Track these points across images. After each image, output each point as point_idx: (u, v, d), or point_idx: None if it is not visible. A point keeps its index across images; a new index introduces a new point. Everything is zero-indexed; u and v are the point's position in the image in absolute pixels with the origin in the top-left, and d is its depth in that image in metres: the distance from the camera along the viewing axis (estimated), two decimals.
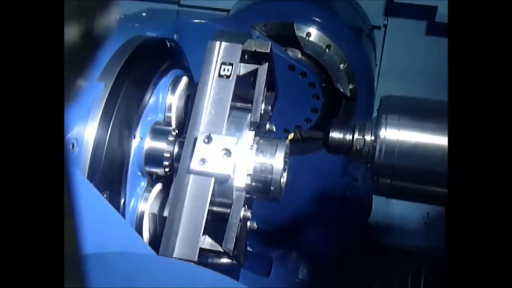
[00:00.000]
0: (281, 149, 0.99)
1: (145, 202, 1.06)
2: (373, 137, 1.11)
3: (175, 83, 1.16)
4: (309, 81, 1.67)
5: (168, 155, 1.06)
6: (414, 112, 1.11)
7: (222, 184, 0.95)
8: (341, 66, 1.69)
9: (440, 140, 1.06)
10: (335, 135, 1.14)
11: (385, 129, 1.08)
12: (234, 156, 0.92)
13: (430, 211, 2.16)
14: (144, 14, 1.42)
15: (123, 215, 1.01)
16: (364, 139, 1.12)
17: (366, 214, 1.92)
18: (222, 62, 1.01)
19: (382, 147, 1.08)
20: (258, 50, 1.04)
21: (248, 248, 1.08)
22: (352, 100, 1.75)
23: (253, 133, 1.01)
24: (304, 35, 1.66)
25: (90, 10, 0.31)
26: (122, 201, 1.00)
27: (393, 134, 1.08)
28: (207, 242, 0.92)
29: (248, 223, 1.01)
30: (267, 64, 1.05)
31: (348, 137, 1.13)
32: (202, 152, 0.92)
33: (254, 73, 1.05)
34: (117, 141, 0.97)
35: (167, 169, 1.07)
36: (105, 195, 0.91)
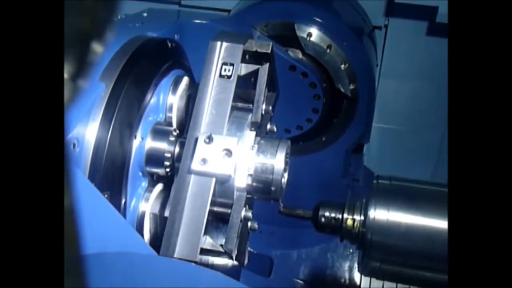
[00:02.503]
0: (282, 149, 0.99)
1: (146, 202, 1.06)
2: (362, 217, 1.12)
3: (176, 83, 1.16)
4: (310, 81, 1.67)
5: (169, 155, 1.06)
6: (405, 194, 1.13)
7: (223, 184, 0.95)
8: (342, 66, 1.69)
9: (431, 222, 1.07)
10: (325, 214, 1.16)
11: (375, 209, 1.09)
12: (235, 156, 0.92)
13: None
14: (145, 14, 1.42)
15: (124, 215, 1.01)
16: (354, 219, 1.13)
17: None
18: (223, 62, 1.01)
19: (372, 227, 1.09)
20: (259, 50, 1.04)
21: (249, 248, 1.08)
22: (353, 100, 1.75)
23: (254, 133, 1.01)
24: (305, 36, 1.66)
25: (90, 10, 0.31)
26: (123, 201, 1.00)
27: (383, 214, 1.09)
28: (208, 242, 0.92)
29: (249, 223, 1.01)
30: (268, 64, 1.05)
31: (338, 215, 1.14)
32: (203, 152, 0.92)
33: (255, 74, 1.05)
34: (118, 141, 0.97)
35: (168, 169, 1.07)
36: (106, 195, 0.91)
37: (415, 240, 1.07)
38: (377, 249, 1.09)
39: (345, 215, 1.14)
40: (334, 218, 1.15)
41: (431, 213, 1.07)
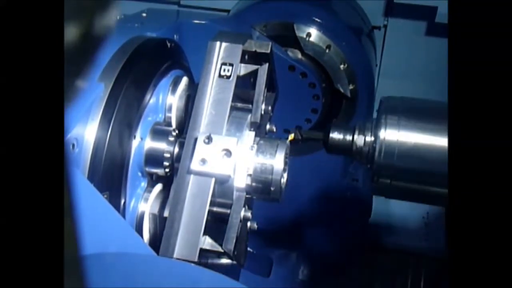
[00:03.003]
0: (281, 149, 0.99)
1: (145, 203, 1.06)
2: (373, 138, 1.11)
3: (175, 83, 1.16)
4: (309, 82, 1.67)
5: (168, 155, 1.06)
6: (414, 113, 1.11)
7: (222, 184, 0.95)
8: (341, 66, 1.69)
9: (440, 141, 1.06)
10: (335, 135, 1.14)
11: (385, 129, 1.08)
12: (234, 157, 0.92)
13: (430, 211, 2.16)
14: (144, 14, 1.42)
15: (123, 215, 1.01)
16: (364, 140, 1.12)
17: (366, 214, 1.92)
18: (222, 62, 1.01)
19: (382, 148, 1.08)
20: (258, 50, 1.04)
21: (248, 249, 1.08)
22: (352, 100, 1.75)
23: (253, 133, 1.01)
24: (304, 36, 1.66)
25: (90, 10, 0.31)
26: (122, 201, 1.00)
27: (393, 134, 1.08)
28: (207, 242, 0.92)
29: (249, 224, 1.01)
30: (267, 64, 1.05)
31: (348, 137, 1.13)
32: (202, 152, 0.92)
33: (254, 74, 1.05)
34: (117, 141, 0.97)
35: (167, 170, 1.07)
36: (105, 196, 0.91)
37: (426, 158, 1.07)
38: (387, 168, 1.09)
39: (356, 136, 1.13)
40: (345, 138, 1.14)
41: (443, 131, 1.06)
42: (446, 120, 0.97)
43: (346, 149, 1.14)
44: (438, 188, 1.09)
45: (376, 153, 1.08)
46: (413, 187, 1.13)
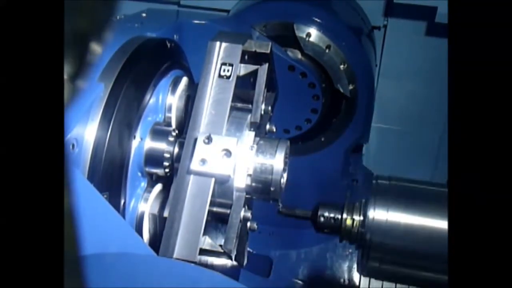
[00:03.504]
0: (281, 149, 0.99)
1: (145, 203, 1.06)
2: (361, 217, 1.12)
3: (175, 83, 1.16)
4: (309, 82, 1.67)
5: (168, 155, 1.06)
6: (404, 193, 1.13)
7: (222, 184, 0.95)
8: (341, 66, 1.69)
9: (430, 222, 1.07)
10: (324, 214, 1.16)
11: (374, 209, 1.09)
12: (234, 157, 0.92)
13: None
14: (144, 14, 1.42)
15: (123, 215, 1.01)
16: (353, 219, 1.13)
17: None
18: (222, 62, 1.01)
19: (371, 227, 1.09)
20: (258, 50, 1.04)
21: (248, 249, 1.08)
22: (352, 100, 1.75)
23: (253, 133, 1.01)
24: (304, 36, 1.66)
25: (90, 10, 0.31)
26: (122, 201, 1.00)
27: (382, 214, 1.09)
28: (207, 242, 0.92)
29: (248, 224, 1.01)
30: (267, 64, 1.05)
31: (337, 216, 1.15)
32: (202, 152, 0.91)
33: (254, 74, 1.05)
34: (117, 141, 0.97)
35: (167, 170, 1.07)
36: (105, 196, 0.91)
37: (415, 240, 1.07)
38: (376, 249, 1.09)
39: (344, 215, 1.14)
40: (334, 218, 1.15)
41: (430, 213, 1.07)
42: (435, 201, 1.00)
43: (335, 228, 1.15)
44: (426, 273, 1.10)
45: (366, 233, 1.09)
46: (402, 271, 1.13)
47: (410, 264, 1.11)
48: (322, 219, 1.16)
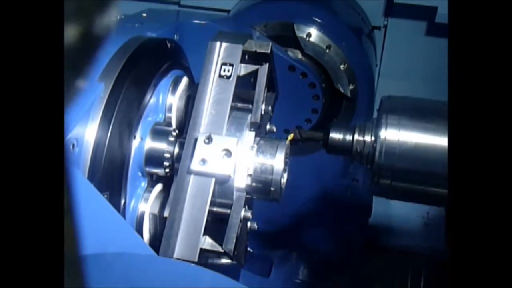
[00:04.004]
0: (281, 149, 0.99)
1: (145, 203, 1.06)
2: (373, 138, 1.10)
3: (176, 83, 1.16)
4: (309, 82, 1.67)
5: (168, 155, 1.06)
6: (415, 112, 1.10)
7: (223, 184, 0.95)
8: (342, 66, 1.69)
9: (441, 141, 1.05)
10: (335, 135, 1.13)
11: (385, 129, 1.08)
12: (234, 157, 0.92)
13: (430, 211, 2.16)
14: (144, 14, 1.42)
15: (124, 215, 1.01)
16: (364, 140, 1.11)
17: (366, 214, 1.92)
18: (222, 62, 1.01)
19: (383, 148, 1.07)
20: (258, 50, 1.04)
21: (249, 249, 1.08)
22: (352, 100, 1.75)
23: (253, 133, 1.01)
24: (304, 36, 1.66)
25: (90, 10, 0.31)
26: (123, 201, 1.00)
27: (394, 134, 1.07)
28: (207, 242, 0.92)
29: (249, 224, 1.01)
30: (267, 64, 1.05)
31: (348, 137, 1.12)
32: (202, 152, 0.92)
33: (254, 74, 1.05)
34: (118, 141, 0.97)
35: (167, 170, 1.07)
36: (105, 196, 0.91)
37: (427, 158, 1.05)
38: (388, 168, 1.08)
39: (356, 136, 1.12)
40: (345, 139, 1.13)
41: (444, 131, 1.05)
42: (447, 119, 0.96)
43: (346, 149, 1.13)
44: (438, 189, 1.08)
45: (377, 154, 1.07)
46: (413, 188, 1.12)
47: (422, 181, 1.09)
48: (333, 140, 1.13)
